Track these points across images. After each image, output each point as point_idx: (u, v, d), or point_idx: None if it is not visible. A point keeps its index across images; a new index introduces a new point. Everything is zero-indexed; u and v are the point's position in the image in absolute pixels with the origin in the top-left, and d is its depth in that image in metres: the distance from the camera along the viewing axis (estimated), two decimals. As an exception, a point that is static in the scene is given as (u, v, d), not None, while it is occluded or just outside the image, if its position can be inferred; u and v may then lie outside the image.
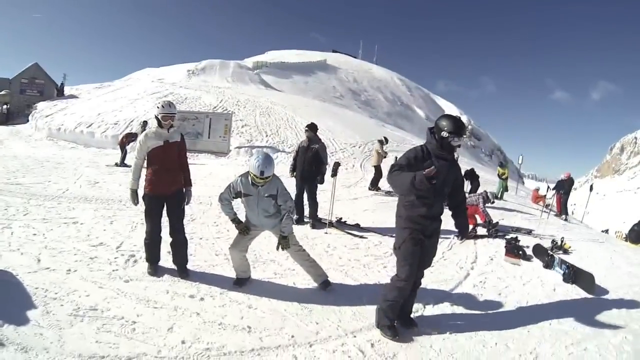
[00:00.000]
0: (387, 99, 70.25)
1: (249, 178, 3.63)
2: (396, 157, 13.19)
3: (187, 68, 40.20)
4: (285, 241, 3.75)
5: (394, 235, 6.23)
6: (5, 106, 26.14)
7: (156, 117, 4.00)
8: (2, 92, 26.80)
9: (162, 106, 3.97)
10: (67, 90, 29.27)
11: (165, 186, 3.97)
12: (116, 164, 12.41)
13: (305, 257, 4.00)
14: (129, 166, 11.70)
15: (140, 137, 3.99)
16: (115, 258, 4.40)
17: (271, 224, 3.79)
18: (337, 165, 6.84)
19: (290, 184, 7.20)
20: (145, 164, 4.01)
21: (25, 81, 27.75)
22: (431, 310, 3.82)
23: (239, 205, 3.86)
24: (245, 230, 3.84)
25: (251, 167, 3.51)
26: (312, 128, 6.81)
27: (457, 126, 3.09)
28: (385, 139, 12.16)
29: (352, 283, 4.39)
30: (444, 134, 3.07)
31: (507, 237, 6.69)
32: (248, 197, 3.71)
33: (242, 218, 3.95)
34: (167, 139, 3.96)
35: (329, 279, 4.12)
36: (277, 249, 3.79)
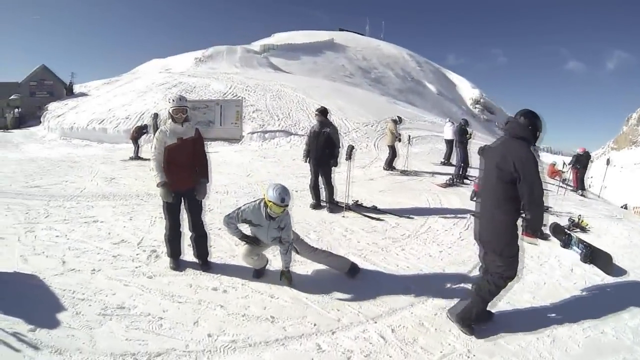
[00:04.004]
0: (397, 76, 68.49)
1: (263, 210, 3.65)
2: (408, 136, 12.79)
3: (194, 56, 39.79)
4: (288, 275, 3.84)
5: (410, 216, 6.29)
6: (17, 110, 26.47)
7: (168, 112, 4.00)
8: (13, 97, 27.09)
9: (173, 100, 3.98)
10: (77, 89, 29.44)
11: (181, 183, 3.99)
12: (130, 158, 12.56)
13: (321, 254, 4.03)
14: (143, 159, 11.86)
15: (157, 134, 4.00)
16: (137, 255, 4.48)
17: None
18: (351, 148, 6.79)
19: (305, 169, 7.22)
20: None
21: (34, 84, 27.95)
22: (450, 293, 3.81)
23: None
24: (256, 241, 3.88)
25: (272, 198, 3.50)
26: (322, 112, 6.74)
27: None
28: (399, 118, 11.93)
29: (370, 267, 4.40)
30: (539, 134, 3.25)
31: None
32: (258, 227, 3.75)
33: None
34: (181, 136, 3.96)
35: (356, 265, 4.15)
36: (281, 279, 3.86)
